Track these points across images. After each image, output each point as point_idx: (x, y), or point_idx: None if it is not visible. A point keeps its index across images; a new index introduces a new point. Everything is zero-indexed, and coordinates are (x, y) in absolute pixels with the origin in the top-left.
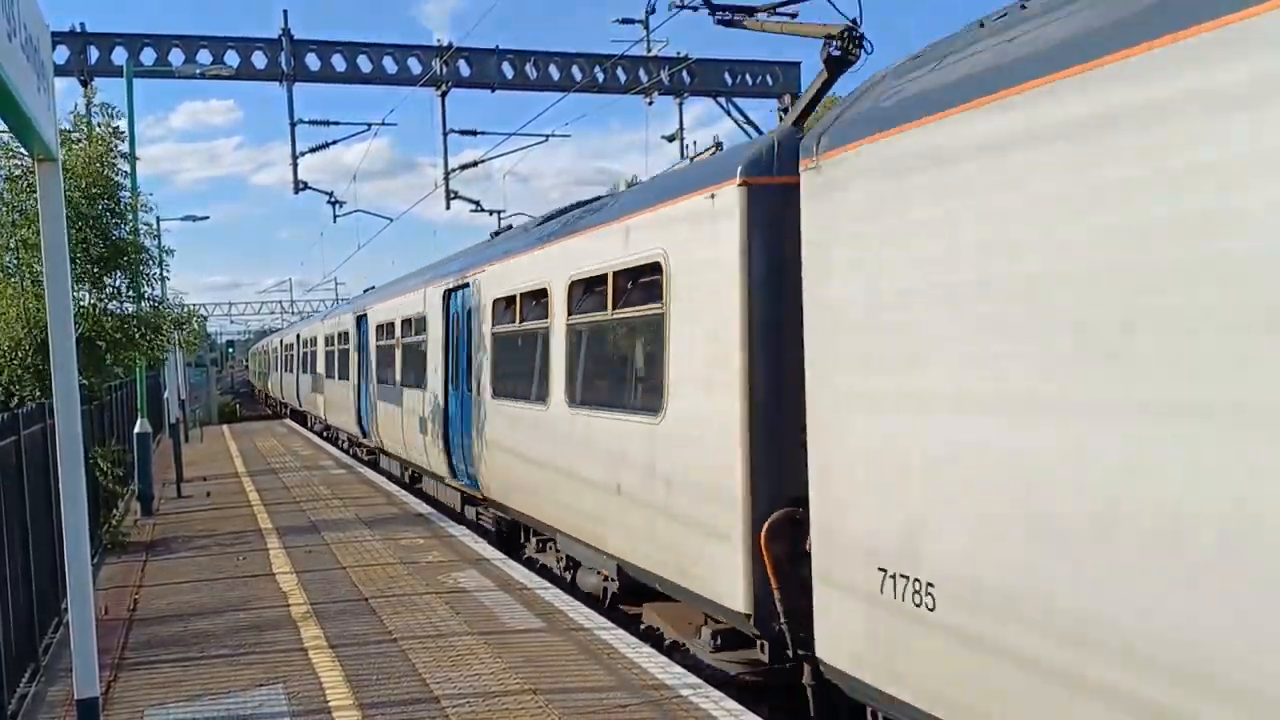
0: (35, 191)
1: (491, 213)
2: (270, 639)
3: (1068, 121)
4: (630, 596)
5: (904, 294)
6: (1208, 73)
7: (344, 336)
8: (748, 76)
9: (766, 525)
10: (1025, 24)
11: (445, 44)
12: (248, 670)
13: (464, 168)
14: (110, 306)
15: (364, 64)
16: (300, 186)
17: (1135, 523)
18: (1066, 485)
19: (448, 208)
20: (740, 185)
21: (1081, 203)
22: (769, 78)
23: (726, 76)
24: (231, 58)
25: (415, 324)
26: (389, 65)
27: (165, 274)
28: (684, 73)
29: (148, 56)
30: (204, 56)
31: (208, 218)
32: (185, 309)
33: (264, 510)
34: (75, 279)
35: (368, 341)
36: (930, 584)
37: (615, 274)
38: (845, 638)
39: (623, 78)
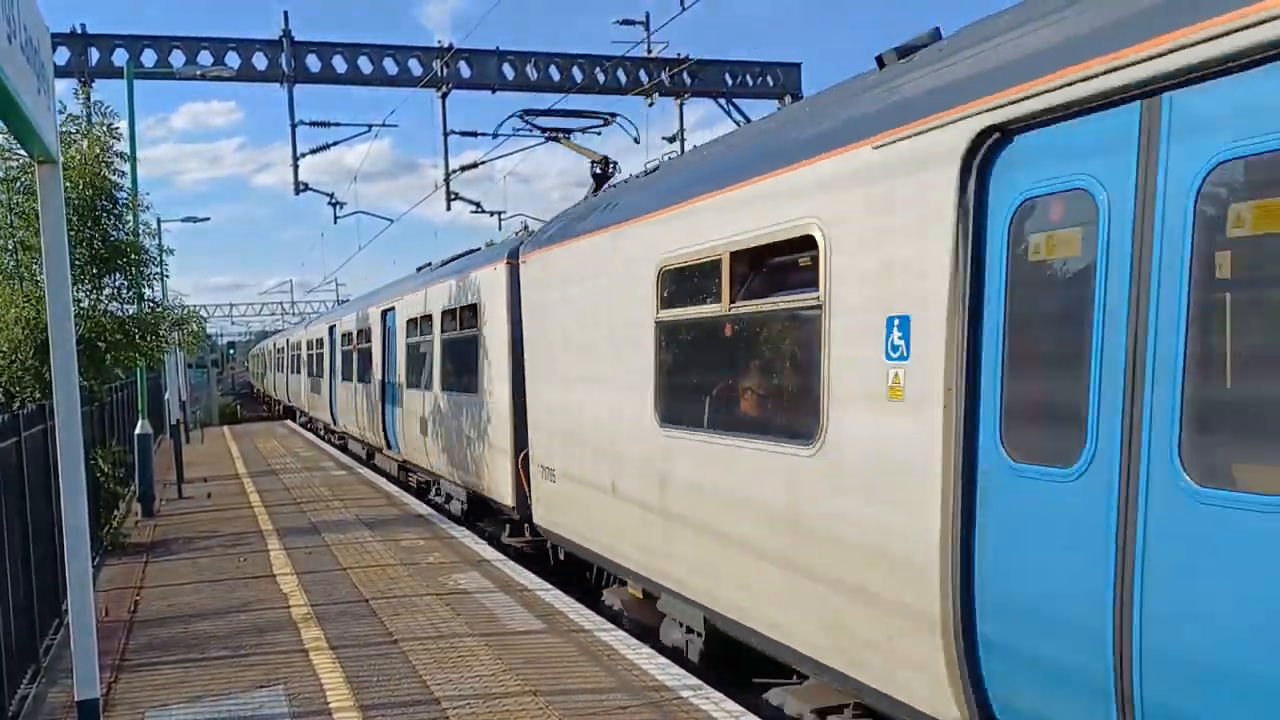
0: (32, 192)
1: (492, 214)
2: (271, 640)
3: (579, 258)
4: (474, 511)
5: (546, 327)
6: (591, 245)
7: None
8: (748, 77)
9: (520, 457)
10: (594, 213)
11: (446, 45)
12: (249, 672)
13: (464, 169)
14: (110, 307)
15: (364, 65)
16: (301, 188)
17: (593, 432)
18: (580, 415)
19: (448, 209)
20: (506, 263)
21: (578, 293)
22: (769, 78)
23: (727, 77)
24: (232, 59)
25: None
26: (389, 66)
27: (165, 274)
28: (684, 74)
29: (148, 58)
30: (205, 58)
31: (208, 219)
32: (185, 310)
33: (265, 511)
34: (74, 280)
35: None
36: (554, 470)
37: (458, 309)
38: (538, 506)
39: (623, 79)
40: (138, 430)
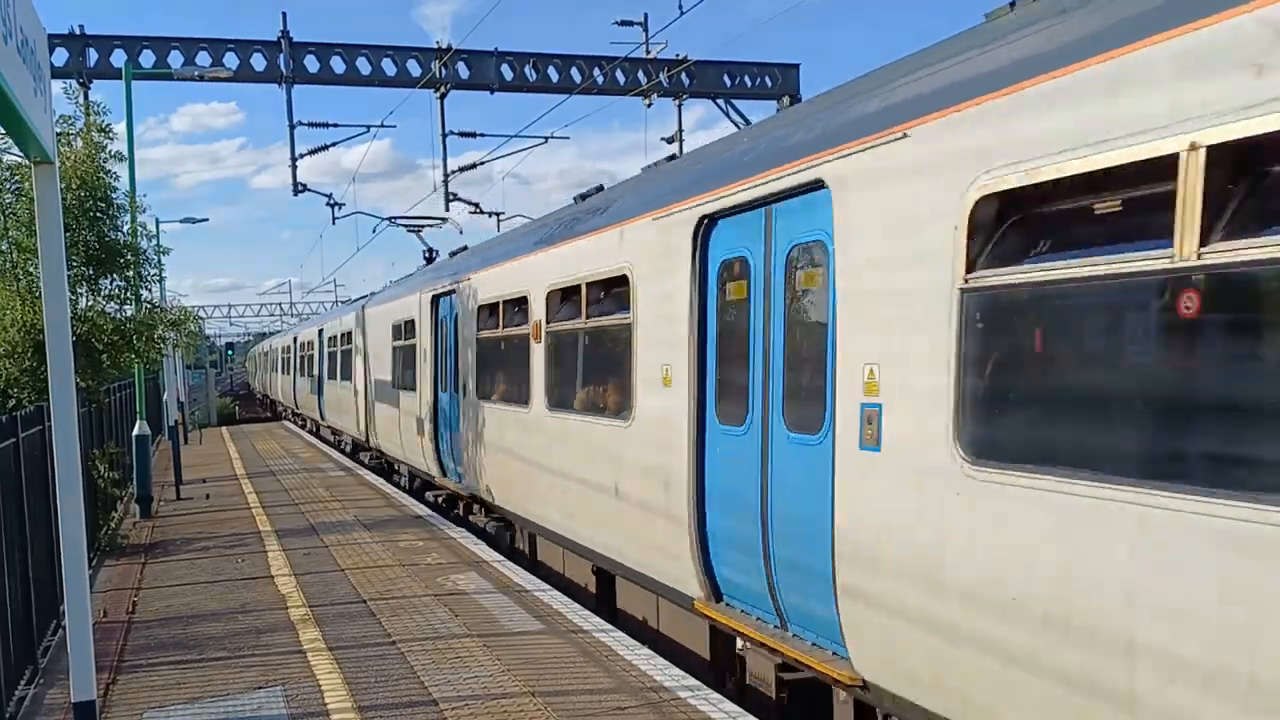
0: (23, 192)
1: (490, 214)
2: (269, 641)
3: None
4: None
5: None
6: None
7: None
8: (746, 78)
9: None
10: (470, 258)
11: (444, 46)
12: (247, 673)
13: (463, 170)
14: (108, 309)
15: (363, 66)
16: (300, 189)
17: (398, 418)
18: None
19: (446, 209)
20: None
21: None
22: (768, 79)
23: (725, 78)
24: (230, 60)
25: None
26: (388, 67)
27: (161, 275)
28: (683, 75)
29: (147, 59)
30: (203, 58)
31: (207, 220)
32: (181, 311)
33: (263, 512)
34: (71, 281)
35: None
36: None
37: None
38: (360, 434)
39: (622, 79)
40: (136, 431)
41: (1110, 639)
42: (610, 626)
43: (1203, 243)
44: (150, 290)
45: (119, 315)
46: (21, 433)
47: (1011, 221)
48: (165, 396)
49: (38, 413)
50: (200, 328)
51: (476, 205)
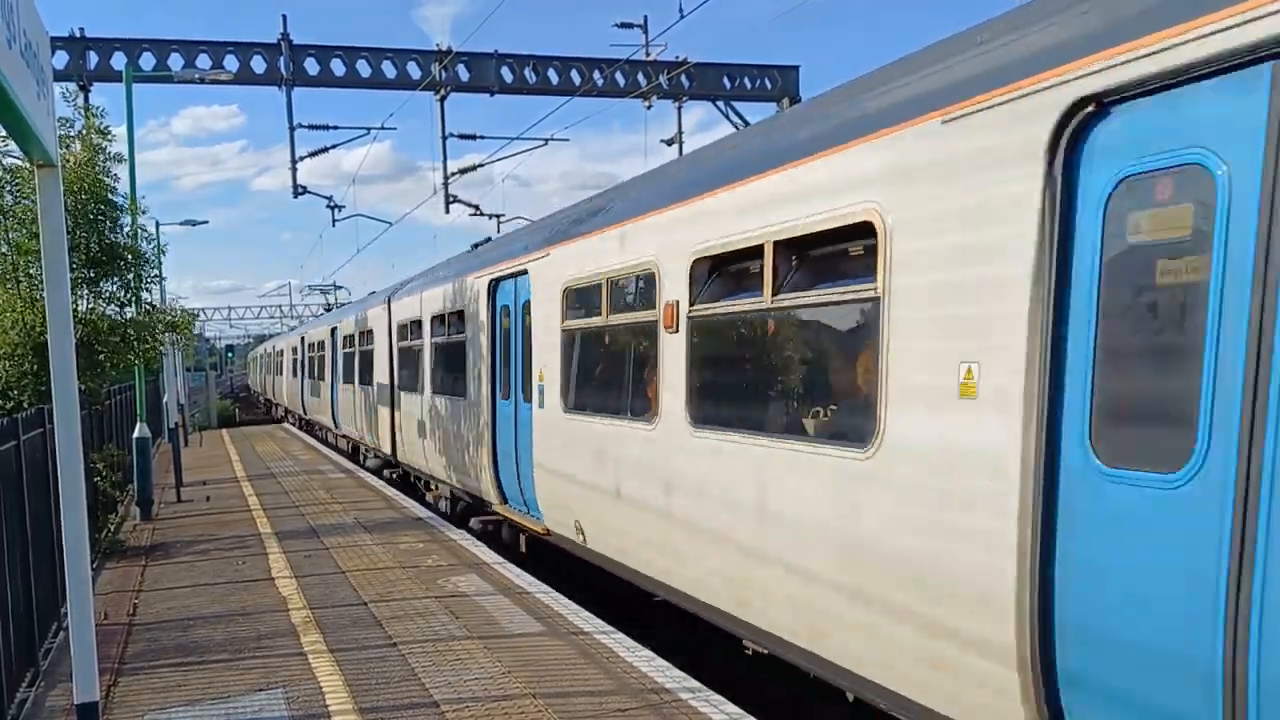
0: (23, 194)
1: (491, 216)
2: (270, 643)
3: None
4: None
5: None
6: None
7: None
8: (746, 80)
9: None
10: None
11: (444, 48)
12: (247, 675)
13: (463, 172)
14: (108, 311)
15: (363, 68)
16: (300, 191)
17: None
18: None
19: (446, 211)
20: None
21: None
22: (767, 81)
23: (725, 80)
24: (230, 62)
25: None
26: (388, 69)
27: (161, 277)
28: (683, 76)
29: (147, 61)
30: (203, 61)
31: (206, 222)
32: (180, 312)
33: (263, 514)
34: (71, 283)
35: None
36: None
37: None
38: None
39: (622, 82)
40: (136, 433)
41: (745, 508)
42: (611, 628)
43: (774, 294)
44: (150, 292)
45: (119, 317)
46: (23, 435)
47: (712, 274)
48: (165, 399)
49: (39, 415)
50: (200, 329)
51: (477, 207)
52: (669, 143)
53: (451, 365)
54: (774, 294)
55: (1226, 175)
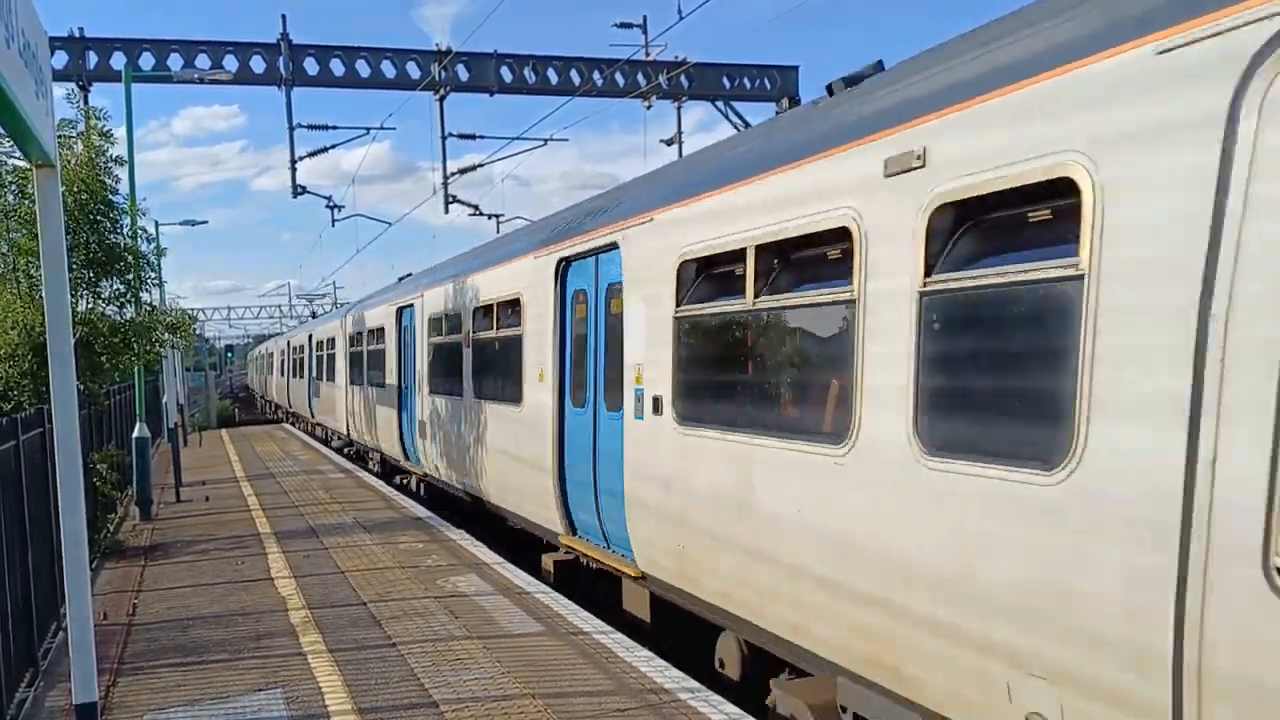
0: (22, 193)
1: (490, 216)
2: (269, 643)
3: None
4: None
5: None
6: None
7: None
8: (745, 80)
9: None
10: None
11: (444, 48)
12: (247, 675)
13: (463, 172)
14: (107, 311)
15: (362, 68)
16: (299, 191)
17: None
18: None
19: (446, 211)
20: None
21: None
22: (767, 81)
23: (725, 80)
24: (230, 62)
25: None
26: (388, 69)
27: (160, 278)
28: (682, 77)
29: (146, 61)
30: (203, 61)
31: (206, 222)
32: (179, 313)
33: (263, 514)
34: (71, 284)
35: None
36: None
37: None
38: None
39: (621, 82)
40: (135, 433)
41: (738, 501)
42: (610, 628)
43: (756, 295)
44: (150, 293)
45: (118, 318)
46: (22, 435)
47: (701, 276)
48: (165, 399)
49: (38, 415)
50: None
51: (476, 207)
52: (669, 143)
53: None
54: (317, 350)
55: None
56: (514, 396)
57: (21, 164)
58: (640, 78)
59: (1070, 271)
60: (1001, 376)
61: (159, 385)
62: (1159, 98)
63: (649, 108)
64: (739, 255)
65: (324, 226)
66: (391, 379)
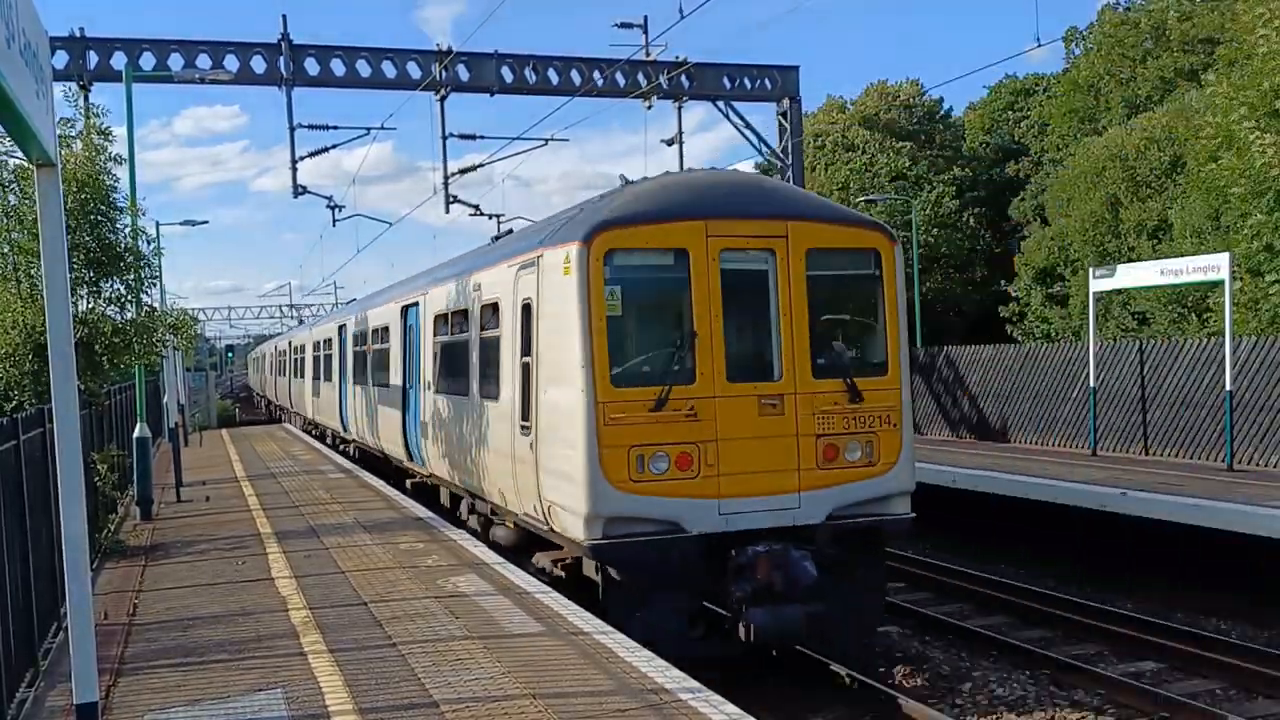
0: (22, 193)
1: (491, 216)
2: (269, 644)
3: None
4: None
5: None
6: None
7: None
8: (746, 80)
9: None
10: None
11: (444, 48)
12: (247, 675)
13: (463, 172)
14: (108, 311)
15: (363, 68)
16: (300, 191)
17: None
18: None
19: (446, 211)
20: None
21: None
22: (767, 81)
23: (725, 80)
24: (231, 62)
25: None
26: (388, 69)
27: (160, 280)
28: (683, 77)
29: (147, 61)
30: (203, 61)
31: (207, 222)
32: (180, 313)
33: (263, 514)
34: (71, 284)
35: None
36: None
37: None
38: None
39: (622, 82)
40: (136, 433)
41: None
42: (610, 629)
43: (459, 331)
44: (150, 294)
45: (119, 318)
46: (23, 435)
47: (441, 321)
48: (165, 399)
49: (39, 415)
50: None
51: (477, 207)
52: (669, 143)
53: (314, 365)
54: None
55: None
56: (384, 382)
57: (22, 162)
58: (640, 78)
59: (498, 333)
60: (490, 367)
61: (160, 385)
62: (511, 278)
63: (649, 108)
64: (460, 312)
65: (325, 226)
66: (335, 376)
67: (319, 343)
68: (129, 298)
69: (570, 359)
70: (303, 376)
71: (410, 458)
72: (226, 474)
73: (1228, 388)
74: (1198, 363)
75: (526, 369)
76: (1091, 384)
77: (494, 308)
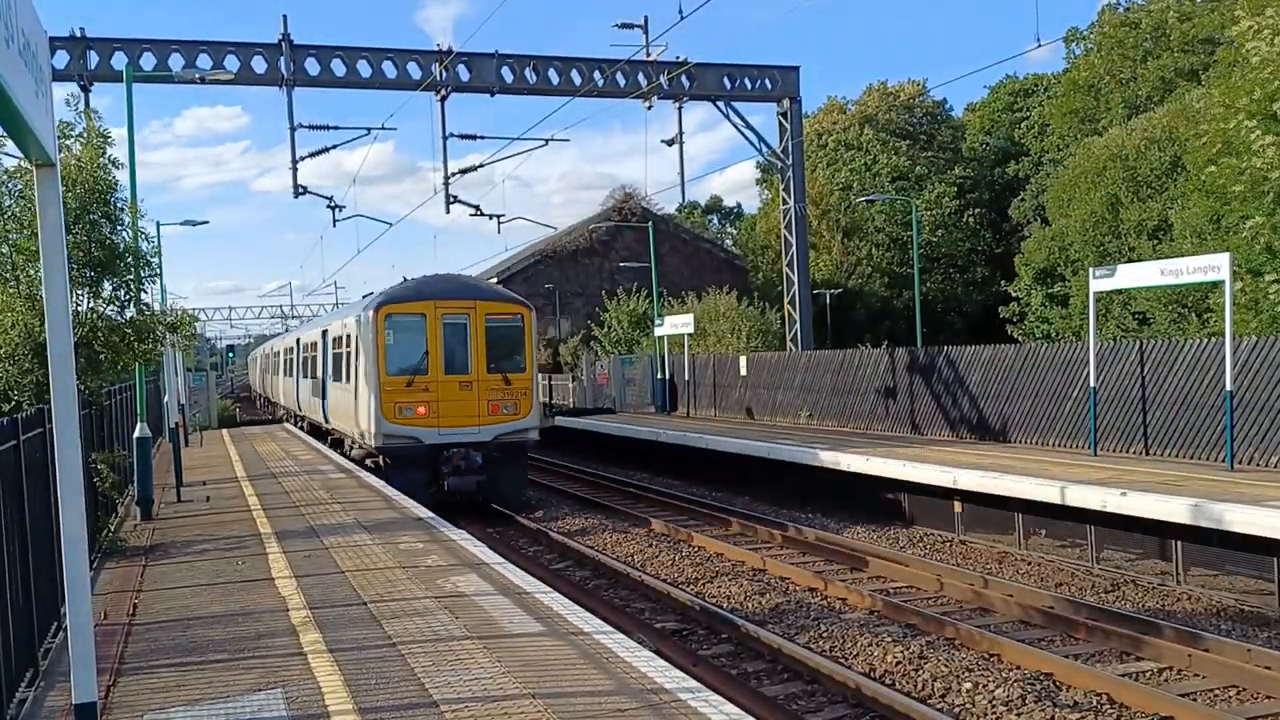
0: (22, 194)
1: (491, 216)
2: (269, 643)
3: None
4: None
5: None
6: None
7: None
8: (746, 80)
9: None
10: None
11: (445, 49)
12: (247, 675)
13: (463, 172)
14: (108, 312)
15: (363, 68)
16: (300, 191)
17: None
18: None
19: (447, 212)
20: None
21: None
22: (767, 81)
23: (725, 80)
24: (231, 62)
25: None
26: (389, 69)
27: (161, 279)
28: (683, 77)
29: (147, 61)
30: (204, 61)
31: (207, 222)
32: (179, 313)
33: (263, 515)
34: (71, 284)
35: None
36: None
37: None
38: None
39: (622, 82)
40: (136, 433)
41: (342, 401)
42: (610, 628)
43: (346, 348)
44: (148, 294)
45: (119, 318)
46: (22, 435)
47: (333, 340)
48: (166, 399)
49: (39, 415)
50: (200, 330)
51: (477, 207)
52: (669, 143)
53: (292, 367)
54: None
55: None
56: (313, 375)
57: (22, 162)
58: (641, 78)
59: (350, 349)
60: (348, 366)
61: (160, 385)
62: (353, 322)
63: (650, 108)
64: (338, 338)
65: (325, 227)
66: (294, 373)
67: (280, 351)
68: (128, 298)
69: (372, 361)
70: (279, 375)
71: (326, 421)
72: (227, 474)
73: (1228, 388)
74: (1198, 363)
75: (356, 366)
76: (1092, 384)
77: (348, 337)
